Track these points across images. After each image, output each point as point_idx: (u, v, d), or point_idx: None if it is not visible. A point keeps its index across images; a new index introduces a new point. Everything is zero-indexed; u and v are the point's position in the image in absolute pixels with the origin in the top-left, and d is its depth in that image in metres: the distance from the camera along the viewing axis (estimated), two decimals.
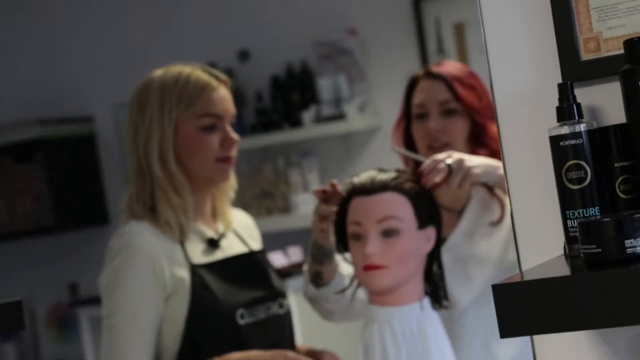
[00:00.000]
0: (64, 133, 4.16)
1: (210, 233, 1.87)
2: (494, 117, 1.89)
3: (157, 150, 1.79)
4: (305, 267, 1.91)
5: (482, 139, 1.91)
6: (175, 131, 1.81)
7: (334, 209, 1.76)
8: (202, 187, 1.86)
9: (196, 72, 1.84)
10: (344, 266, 1.87)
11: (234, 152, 1.87)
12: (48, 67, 4.37)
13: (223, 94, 1.85)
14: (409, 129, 1.99)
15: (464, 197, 1.95)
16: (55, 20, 4.36)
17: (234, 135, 1.86)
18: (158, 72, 1.85)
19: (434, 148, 1.91)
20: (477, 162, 1.76)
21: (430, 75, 1.95)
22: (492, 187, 1.92)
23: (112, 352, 1.75)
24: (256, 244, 1.98)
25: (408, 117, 2.00)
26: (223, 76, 1.87)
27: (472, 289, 1.89)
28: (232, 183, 1.93)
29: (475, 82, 1.94)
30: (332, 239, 1.80)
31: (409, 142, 2.00)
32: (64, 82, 4.34)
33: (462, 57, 3.54)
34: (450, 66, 1.99)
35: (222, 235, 1.88)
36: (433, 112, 1.93)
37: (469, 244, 1.92)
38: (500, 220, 1.90)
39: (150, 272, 1.75)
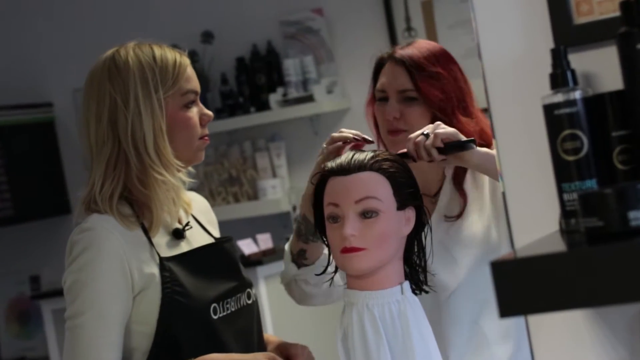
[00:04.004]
0: (21, 119, 4.05)
1: (175, 223, 1.79)
2: (460, 105, 1.87)
3: (151, 133, 1.69)
4: (287, 246, 1.85)
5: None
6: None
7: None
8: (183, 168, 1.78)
9: (165, 49, 1.77)
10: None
11: (207, 130, 1.80)
12: (4, 51, 4.25)
13: (193, 70, 1.80)
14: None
15: (436, 180, 1.92)
16: (12, 4, 4.23)
17: (209, 112, 1.80)
18: (122, 52, 1.74)
19: (393, 133, 1.87)
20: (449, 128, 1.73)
21: (394, 59, 1.89)
22: (460, 183, 1.88)
23: (80, 353, 1.64)
24: (215, 230, 1.90)
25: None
26: (184, 52, 1.80)
27: (459, 272, 1.86)
28: None
29: (442, 69, 1.86)
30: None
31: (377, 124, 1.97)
32: (21, 67, 4.23)
33: (431, 34, 3.48)
34: (418, 49, 1.88)
35: (186, 225, 1.79)
36: (392, 98, 1.88)
37: (449, 225, 1.88)
38: (459, 215, 1.87)
39: (119, 270, 1.66)
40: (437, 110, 1.83)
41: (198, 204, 1.89)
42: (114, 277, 1.65)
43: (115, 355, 1.66)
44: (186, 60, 1.76)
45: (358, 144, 1.76)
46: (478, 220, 1.88)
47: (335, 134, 1.75)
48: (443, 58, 1.88)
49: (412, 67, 1.85)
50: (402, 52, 1.89)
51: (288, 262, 1.83)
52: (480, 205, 1.89)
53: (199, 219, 1.85)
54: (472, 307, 1.86)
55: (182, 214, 1.81)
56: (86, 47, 4.01)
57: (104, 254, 1.65)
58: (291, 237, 1.84)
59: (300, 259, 1.81)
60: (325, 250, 1.82)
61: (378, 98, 1.92)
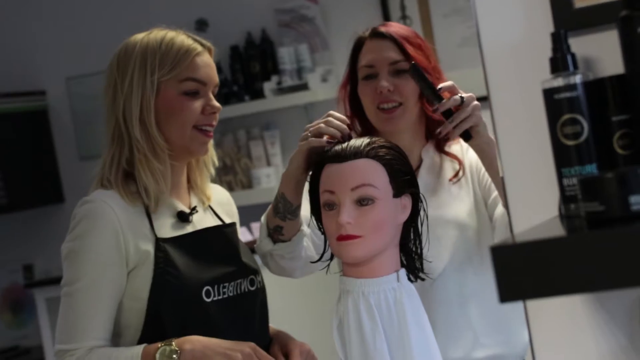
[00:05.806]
0: (14, 107, 4.03)
1: (182, 207, 1.81)
2: (440, 78, 1.89)
3: (137, 113, 1.74)
4: (263, 218, 1.85)
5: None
6: (156, 95, 1.75)
7: (324, 141, 1.72)
8: (179, 156, 1.79)
9: (180, 36, 1.78)
10: (306, 226, 1.82)
11: (214, 122, 1.80)
12: None
13: (207, 60, 1.79)
14: (355, 91, 1.94)
15: (416, 156, 1.92)
16: None
17: (216, 104, 1.80)
18: (139, 36, 1.80)
19: (385, 109, 1.87)
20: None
21: (377, 35, 1.90)
22: (443, 148, 1.92)
23: (70, 320, 1.69)
24: (230, 221, 1.90)
25: (354, 80, 1.94)
26: (208, 43, 1.81)
27: (443, 252, 1.86)
28: (212, 158, 1.88)
29: (422, 43, 1.91)
30: (300, 197, 1.76)
31: (355, 105, 1.95)
32: (14, 55, 4.20)
33: (426, 23, 3.47)
34: (397, 26, 1.94)
35: (194, 209, 1.79)
36: (383, 72, 1.88)
37: (434, 202, 1.88)
38: (456, 175, 1.91)
39: (113, 242, 1.70)
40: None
41: (218, 195, 1.91)
42: (107, 248, 1.69)
43: (106, 324, 1.69)
44: (196, 48, 1.76)
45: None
46: (460, 202, 1.89)
47: (322, 125, 1.72)
48: (416, 33, 1.94)
49: (399, 39, 1.88)
50: (384, 28, 1.92)
51: (264, 236, 1.83)
52: (460, 187, 1.90)
53: (216, 210, 1.87)
54: (457, 291, 1.86)
55: (193, 199, 1.83)
56: (79, 35, 3.98)
57: (99, 225, 1.69)
58: (267, 210, 1.83)
59: (276, 234, 1.81)
60: (303, 227, 1.82)
61: (364, 76, 1.91)
